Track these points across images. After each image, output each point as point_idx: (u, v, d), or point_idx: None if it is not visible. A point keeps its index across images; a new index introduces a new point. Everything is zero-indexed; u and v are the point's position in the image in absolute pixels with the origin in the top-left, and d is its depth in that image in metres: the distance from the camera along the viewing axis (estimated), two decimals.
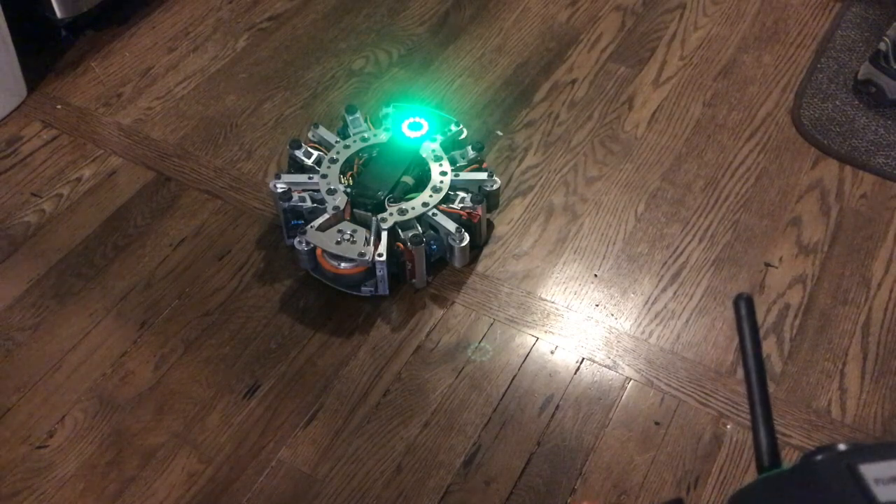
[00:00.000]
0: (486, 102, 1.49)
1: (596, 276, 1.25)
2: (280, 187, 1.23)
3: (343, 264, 1.18)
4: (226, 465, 1.07)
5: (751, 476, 1.05)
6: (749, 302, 0.46)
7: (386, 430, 1.10)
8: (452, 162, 1.27)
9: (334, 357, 1.16)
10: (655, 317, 1.20)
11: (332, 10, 1.67)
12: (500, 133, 1.44)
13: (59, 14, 1.53)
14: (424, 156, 1.26)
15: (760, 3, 1.66)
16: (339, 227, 1.18)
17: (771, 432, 0.45)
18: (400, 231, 1.19)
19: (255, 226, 1.31)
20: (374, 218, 1.19)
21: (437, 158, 1.26)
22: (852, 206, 1.33)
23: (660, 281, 1.24)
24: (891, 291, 1.23)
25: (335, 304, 1.22)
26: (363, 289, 1.20)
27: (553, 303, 1.22)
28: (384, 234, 1.17)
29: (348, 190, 1.22)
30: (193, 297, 1.23)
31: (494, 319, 1.20)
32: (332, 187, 1.22)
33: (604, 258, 1.27)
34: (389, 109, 1.33)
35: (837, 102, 1.48)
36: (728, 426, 1.09)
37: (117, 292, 1.23)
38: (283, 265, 1.26)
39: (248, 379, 1.14)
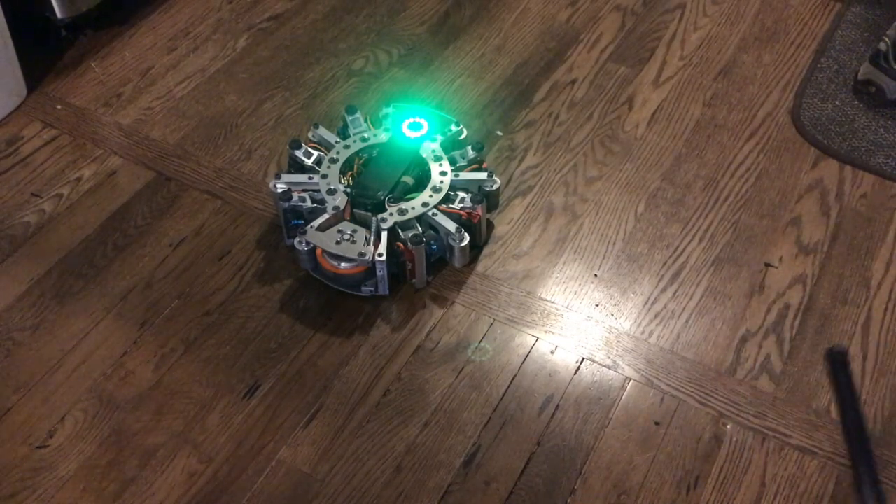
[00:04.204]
0: (486, 102, 1.49)
1: (596, 276, 1.25)
2: (280, 187, 1.23)
3: (343, 264, 1.18)
4: (226, 465, 1.07)
5: (751, 476, 1.05)
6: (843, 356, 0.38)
7: (386, 429, 1.10)
8: (452, 162, 1.27)
9: (334, 357, 1.16)
10: (655, 317, 1.20)
11: (332, 10, 1.67)
12: (500, 133, 1.44)
13: (59, 14, 1.53)
14: (424, 156, 1.26)
15: (760, 3, 1.66)
16: (339, 227, 1.18)
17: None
18: (400, 231, 1.19)
19: (255, 226, 1.31)
20: (374, 218, 1.19)
21: (437, 158, 1.26)
22: (852, 206, 1.33)
23: (660, 281, 1.24)
24: (891, 291, 1.23)
25: (335, 304, 1.22)
26: (363, 289, 1.20)
27: (553, 303, 1.22)
28: (384, 234, 1.17)
29: (348, 190, 1.22)
30: (193, 297, 1.23)
31: (494, 319, 1.20)
32: (332, 187, 1.22)
33: (604, 258, 1.27)
34: (389, 109, 1.33)
35: (837, 102, 1.48)
36: (728, 426, 1.09)
37: (117, 292, 1.23)
38: (283, 265, 1.26)
39: (248, 379, 1.14)
